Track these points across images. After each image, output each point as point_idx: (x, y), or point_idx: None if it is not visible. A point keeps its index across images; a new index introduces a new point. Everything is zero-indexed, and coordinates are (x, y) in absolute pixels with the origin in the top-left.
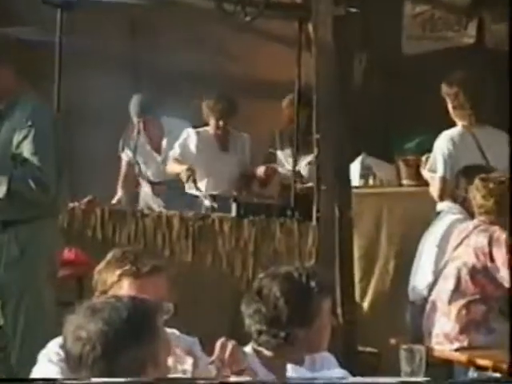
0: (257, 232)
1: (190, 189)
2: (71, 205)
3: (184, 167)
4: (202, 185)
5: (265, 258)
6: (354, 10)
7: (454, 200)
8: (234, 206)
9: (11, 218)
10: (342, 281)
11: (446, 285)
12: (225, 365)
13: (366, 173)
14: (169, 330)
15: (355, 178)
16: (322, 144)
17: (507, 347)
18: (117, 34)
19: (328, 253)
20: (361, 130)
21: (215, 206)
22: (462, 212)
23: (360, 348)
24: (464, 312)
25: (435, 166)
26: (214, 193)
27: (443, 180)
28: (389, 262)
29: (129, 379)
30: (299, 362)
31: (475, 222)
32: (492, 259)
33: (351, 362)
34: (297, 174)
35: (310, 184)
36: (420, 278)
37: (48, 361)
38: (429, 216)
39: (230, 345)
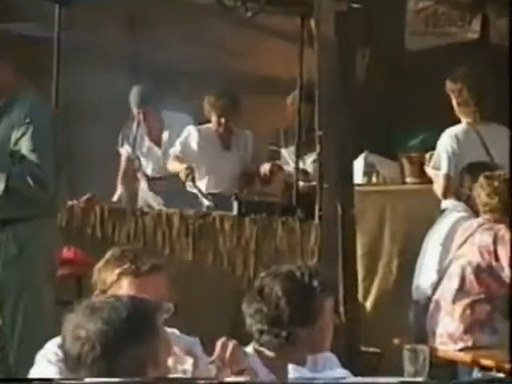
0: (258, 230)
1: (190, 187)
2: (70, 203)
3: (183, 166)
4: (203, 183)
5: (266, 256)
6: (356, 5)
7: (458, 198)
8: (235, 204)
9: (9, 216)
10: (344, 280)
11: (450, 284)
12: (225, 364)
13: (369, 170)
14: (169, 330)
15: (358, 176)
16: (325, 141)
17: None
18: (116, 30)
19: (330, 251)
20: (364, 127)
21: (212, 205)
22: (467, 210)
23: (363, 348)
24: (468, 311)
25: (439, 164)
26: (215, 191)
27: (447, 177)
28: (392, 261)
29: (128, 379)
30: (301, 363)
31: (480, 220)
32: (497, 258)
33: (354, 362)
34: (302, 171)
35: (315, 182)
36: (424, 276)
37: (46, 361)
38: (433, 214)
39: (231, 344)
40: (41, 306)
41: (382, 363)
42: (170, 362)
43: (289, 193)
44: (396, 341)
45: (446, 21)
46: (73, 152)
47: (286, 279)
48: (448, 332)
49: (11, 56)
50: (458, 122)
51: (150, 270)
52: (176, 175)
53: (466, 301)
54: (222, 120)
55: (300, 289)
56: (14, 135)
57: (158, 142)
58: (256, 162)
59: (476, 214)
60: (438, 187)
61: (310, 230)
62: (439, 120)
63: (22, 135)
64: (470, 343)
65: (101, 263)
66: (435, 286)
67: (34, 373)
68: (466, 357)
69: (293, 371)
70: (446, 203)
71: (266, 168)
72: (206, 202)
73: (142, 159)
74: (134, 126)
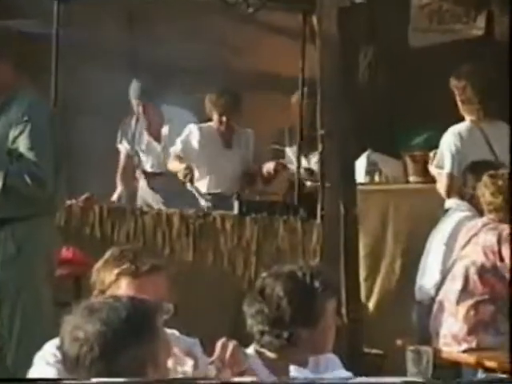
0: (259, 230)
1: (190, 186)
2: (68, 202)
3: (182, 166)
4: (204, 182)
5: (267, 256)
6: (359, 1)
7: (462, 197)
8: (236, 204)
9: (8, 215)
10: (346, 280)
11: (454, 284)
12: (225, 365)
13: (371, 169)
14: (169, 331)
15: (361, 175)
16: (327, 140)
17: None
18: (114, 26)
19: (332, 251)
20: (366, 125)
21: (210, 206)
22: (471, 209)
23: (365, 349)
24: (472, 312)
25: (442, 162)
26: (216, 190)
27: (450, 176)
28: (395, 261)
29: (128, 379)
30: (303, 364)
31: (484, 219)
32: (501, 258)
33: (356, 363)
34: (308, 171)
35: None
36: (427, 277)
37: (45, 362)
38: (436, 213)
39: (231, 345)
40: (39, 306)
41: (384, 364)
42: (170, 363)
43: (293, 192)
44: (399, 342)
45: (451, 17)
46: (71, 150)
47: (287, 279)
48: (452, 333)
49: (10, 53)
50: (463, 120)
51: (149, 270)
52: (176, 173)
53: (470, 301)
54: (224, 118)
55: (302, 289)
56: (12, 133)
57: (157, 137)
58: (258, 161)
59: (480, 213)
60: (442, 186)
61: (311, 230)
62: (443, 118)
63: (20, 133)
64: (473, 344)
65: (100, 263)
66: (439, 287)
67: (32, 374)
68: (470, 358)
69: (294, 372)
70: (450, 202)
71: (270, 167)
72: (203, 203)
73: (141, 155)
74: (133, 121)
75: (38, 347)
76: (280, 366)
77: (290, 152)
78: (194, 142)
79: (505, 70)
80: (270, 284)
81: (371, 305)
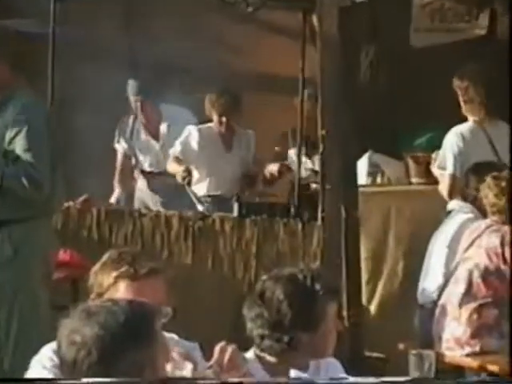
0: (259, 232)
1: (188, 189)
2: (66, 204)
3: (181, 168)
4: (203, 184)
5: (267, 259)
6: (360, 0)
7: (465, 199)
8: (235, 206)
9: (4, 217)
10: (348, 283)
11: (457, 287)
12: (223, 370)
13: (373, 170)
14: (167, 335)
15: (362, 176)
16: (328, 140)
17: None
18: (111, 25)
19: (334, 254)
20: (368, 126)
21: (208, 210)
22: (474, 211)
23: (367, 353)
24: (475, 316)
25: (444, 163)
26: (216, 193)
27: (453, 177)
28: (397, 264)
29: (128, 379)
30: (303, 368)
31: (487, 221)
32: (505, 260)
33: (357, 367)
34: (313, 172)
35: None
36: (430, 280)
37: (41, 367)
38: (439, 215)
39: (230, 349)
40: (36, 309)
41: (386, 369)
42: (169, 367)
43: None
44: (401, 346)
45: (453, 16)
46: (69, 151)
47: (287, 283)
48: (455, 337)
49: (8, 53)
50: (466, 120)
51: (147, 273)
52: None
53: (473, 305)
54: (223, 119)
55: (302, 292)
56: (8, 134)
57: (155, 135)
58: (258, 162)
59: (483, 215)
60: (444, 187)
61: (312, 232)
62: (446, 118)
63: (17, 134)
64: (477, 348)
65: (97, 266)
66: (441, 290)
67: None
68: (473, 362)
69: (295, 377)
70: (453, 204)
71: (274, 169)
72: (200, 208)
73: (138, 154)
74: (131, 119)
75: (35, 350)
76: (280, 371)
77: (294, 154)
78: (194, 144)
79: (507, 70)
80: (270, 287)
81: (373, 308)
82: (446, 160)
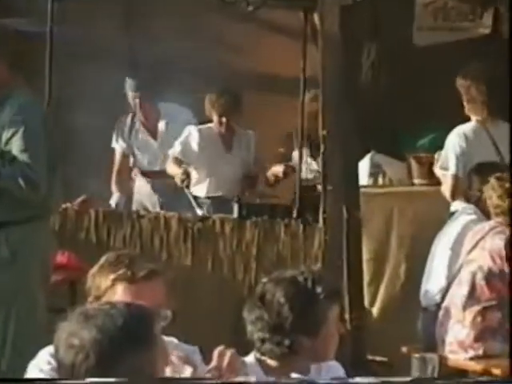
0: (260, 234)
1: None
2: (63, 205)
3: (180, 171)
4: (203, 185)
5: (268, 261)
6: None
7: (468, 200)
8: (235, 207)
9: (1, 218)
10: (349, 285)
11: (460, 290)
12: (222, 374)
13: (375, 171)
14: (167, 338)
15: (364, 177)
16: (329, 141)
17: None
18: (110, 24)
19: (335, 256)
20: (370, 126)
21: (208, 212)
22: (477, 212)
23: (369, 357)
24: (479, 319)
25: (447, 164)
26: (216, 194)
27: (455, 178)
28: (399, 266)
29: (128, 380)
30: (304, 372)
31: (491, 223)
32: (509, 262)
33: (360, 371)
34: (318, 173)
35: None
36: (433, 282)
37: (38, 370)
38: (442, 217)
39: (229, 353)
40: (34, 312)
41: (389, 372)
42: (168, 371)
43: (302, 195)
44: (404, 349)
45: (456, 15)
46: (67, 151)
47: (288, 285)
48: (458, 340)
49: (6, 52)
50: (469, 120)
51: (146, 275)
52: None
53: (477, 307)
54: (224, 119)
55: (303, 295)
56: (5, 135)
57: (153, 133)
58: (260, 163)
59: (487, 216)
60: (446, 188)
61: (313, 234)
62: (449, 118)
63: (13, 135)
64: (480, 351)
65: (95, 268)
66: (444, 292)
67: (26, 382)
68: (477, 366)
69: None
70: (456, 205)
71: (279, 170)
72: (198, 211)
73: (137, 153)
74: (129, 118)
75: (33, 353)
76: (281, 374)
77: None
78: (194, 145)
79: (508, 69)
80: (270, 290)
81: (375, 311)
82: (448, 160)
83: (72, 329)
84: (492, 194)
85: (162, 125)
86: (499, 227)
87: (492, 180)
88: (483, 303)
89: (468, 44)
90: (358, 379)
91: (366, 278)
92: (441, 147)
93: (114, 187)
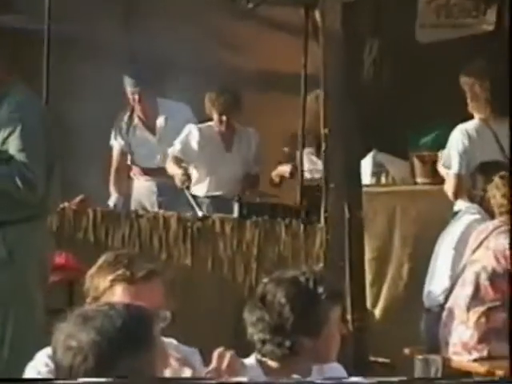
0: (260, 234)
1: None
2: (61, 205)
3: (180, 171)
4: (203, 185)
5: (269, 261)
6: None
7: (471, 199)
8: (236, 206)
9: None
10: (351, 286)
11: (464, 290)
12: (222, 376)
13: (377, 170)
14: (166, 340)
15: (366, 176)
16: (331, 139)
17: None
18: (109, 21)
19: (337, 256)
20: (372, 124)
21: (208, 211)
22: (481, 212)
23: (371, 358)
24: (483, 320)
25: (449, 162)
26: (217, 193)
27: (458, 177)
28: (402, 266)
29: (127, 379)
30: (306, 374)
31: (495, 222)
32: None
33: (362, 373)
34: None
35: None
36: (436, 282)
37: (36, 373)
38: (445, 216)
39: (228, 355)
40: (32, 313)
41: (391, 374)
42: (167, 373)
43: (307, 195)
44: (407, 351)
45: (459, 12)
46: (65, 150)
47: (289, 285)
48: (462, 341)
49: (3, 50)
50: (473, 118)
51: (145, 276)
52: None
53: (481, 308)
54: (224, 118)
55: (304, 296)
56: (2, 134)
57: (152, 129)
58: (260, 162)
59: (491, 216)
60: (449, 187)
61: (315, 234)
62: (452, 116)
63: (10, 134)
64: (485, 353)
65: (93, 269)
66: (448, 293)
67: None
68: (481, 368)
69: None
70: (459, 205)
71: (285, 170)
72: (199, 213)
73: (135, 150)
74: (127, 115)
75: (31, 355)
76: (282, 376)
77: (304, 154)
78: (194, 143)
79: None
80: (271, 290)
81: (377, 312)
82: (450, 159)
83: (70, 330)
84: (496, 193)
85: (160, 120)
86: (503, 226)
87: (496, 179)
88: (487, 304)
89: (471, 41)
90: (353, 379)
91: (369, 278)
92: (444, 145)
93: (112, 188)
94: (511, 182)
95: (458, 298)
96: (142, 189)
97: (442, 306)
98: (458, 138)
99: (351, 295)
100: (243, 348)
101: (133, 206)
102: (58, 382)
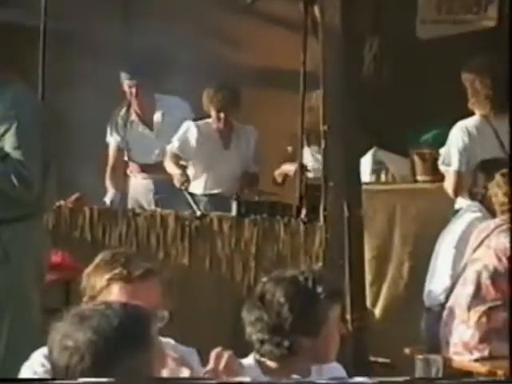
0: (259, 232)
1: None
2: (57, 203)
3: (178, 171)
4: (201, 182)
5: (268, 260)
6: None
7: (473, 197)
8: (234, 204)
9: None
10: (351, 285)
11: (465, 289)
12: (219, 377)
13: (377, 168)
14: (163, 339)
15: (366, 174)
16: (330, 136)
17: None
18: (106, 16)
19: (336, 255)
20: (371, 121)
21: (206, 209)
22: (482, 210)
23: (371, 358)
24: (484, 319)
25: (449, 159)
26: (215, 191)
27: (458, 174)
28: (402, 265)
29: (126, 379)
30: (305, 374)
31: (496, 221)
32: None
33: (362, 372)
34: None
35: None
36: (436, 281)
37: (32, 373)
38: (446, 214)
39: (226, 355)
40: (29, 313)
41: (392, 374)
42: (165, 373)
43: (309, 194)
44: (407, 350)
45: (460, 7)
46: (61, 147)
47: (288, 285)
48: (463, 341)
49: None
50: (473, 115)
51: (142, 275)
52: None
53: (482, 307)
54: (222, 115)
55: (303, 295)
56: None
57: (149, 124)
58: (260, 160)
59: (492, 214)
60: (449, 184)
61: (314, 232)
62: (453, 113)
63: (6, 131)
64: (486, 353)
65: (90, 268)
66: (449, 292)
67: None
68: (482, 368)
69: None
70: (460, 203)
71: (290, 169)
72: (197, 212)
73: (132, 145)
74: (124, 110)
75: (27, 354)
76: (281, 376)
77: (308, 152)
78: (192, 140)
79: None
80: (270, 290)
81: (377, 311)
82: (450, 156)
83: (66, 330)
84: (497, 191)
85: (158, 116)
86: (505, 225)
87: (497, 176)
88: (489, 303)
89: (472, 37)
90: (357, 379)
91: (368, 277)
92: (445, 143)
93: (108, 183)
94: (511, 178)
95: (458, 297)
96: (139, 187)
97: (442, 306)
98: (457, 135)
99: (351, 294)
100: (242, 348)
101: (130, 205)
102: (55, 382)
